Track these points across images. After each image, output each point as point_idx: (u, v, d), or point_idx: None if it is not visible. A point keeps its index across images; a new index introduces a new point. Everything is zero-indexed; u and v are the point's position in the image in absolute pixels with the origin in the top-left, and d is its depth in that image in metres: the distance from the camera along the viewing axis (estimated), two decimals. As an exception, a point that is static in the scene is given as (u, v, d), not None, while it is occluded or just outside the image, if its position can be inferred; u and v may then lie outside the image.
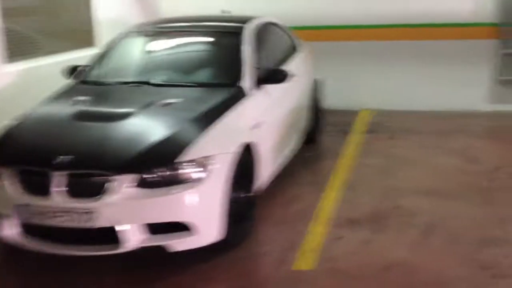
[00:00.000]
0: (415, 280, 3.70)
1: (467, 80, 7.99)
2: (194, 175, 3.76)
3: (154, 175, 3.69)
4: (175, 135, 3.96)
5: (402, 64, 8.23)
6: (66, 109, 4.44)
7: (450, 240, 4.21)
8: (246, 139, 4.28)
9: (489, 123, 7.66)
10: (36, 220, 3.73)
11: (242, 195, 4.28)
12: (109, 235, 3.66)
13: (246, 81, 4.79)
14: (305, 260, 3.97)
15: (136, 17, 7.44)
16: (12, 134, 4.21)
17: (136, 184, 3.65)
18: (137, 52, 5.41)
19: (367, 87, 8.34)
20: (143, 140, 3.89)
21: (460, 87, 8.02)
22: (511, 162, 5.94)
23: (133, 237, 3.67)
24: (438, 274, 3.76)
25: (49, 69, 5.81)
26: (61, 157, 3.73)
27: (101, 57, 5.35)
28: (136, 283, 3.77)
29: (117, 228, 3.65)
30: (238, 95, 4.63)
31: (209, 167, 3.81)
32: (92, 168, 3.70)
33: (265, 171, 4.75)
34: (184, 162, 3.75)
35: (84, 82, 5.10)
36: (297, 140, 5.91)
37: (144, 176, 3.68)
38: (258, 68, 4.97)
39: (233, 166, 4.03)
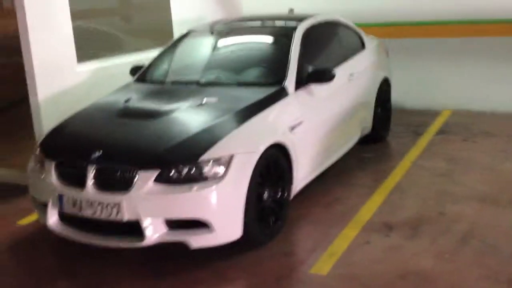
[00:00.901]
0: (427, 291, 3.59)
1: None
2: (215, 174, 3.88)
3: (177, 172, 3.86)
4: (202, 133, 4.10)
5: (486, 62, 7.80)
6: (114, 106, 4.75)
7: (484, 252, 4.01)
8: (278, 139, 4.32)
9: None
10: (71, 211, 4.05)
11: (273, 195, 4.35)
12: (134, 229, 3.89)
13: (290, 81, 4.82)
14: (323, 263, 3.97)
15: (216, 16, 7.63)
16: (60, 128, 4.60)
17: (159, 179, 3.84)
18: (192, 51, 5.63)
19: (448, 86, 8.00)
20: (171, 138, 4.08)
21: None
22: None
23: (155, 231, 3.86)
24: (456, 286, 3.61)
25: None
26: (96, 152, 4.01)
27: (160, 57, 5.63)
28: (150, 277, 3.95)
29: (141, 222, 3.86)
30: (279, 95, 4.69)
31: (232, 166, 3.91)
32: (119, 163, 3.94)
33: (304, 172, 4.77)
34: (206, 160, 3.89)
35: (141, 80, 5.39)
36: (353, 140, 5.85)
37: (167, 172, 3.86)
38: (306, 68, 4.97)
39: (260, 166, 4.10)
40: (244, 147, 4.04)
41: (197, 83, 5.05)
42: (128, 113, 4.57)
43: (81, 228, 4.11)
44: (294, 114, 4.69)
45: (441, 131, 6.96)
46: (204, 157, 3.90)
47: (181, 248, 3.90)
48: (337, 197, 5.10)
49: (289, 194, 4.57)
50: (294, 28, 5.32)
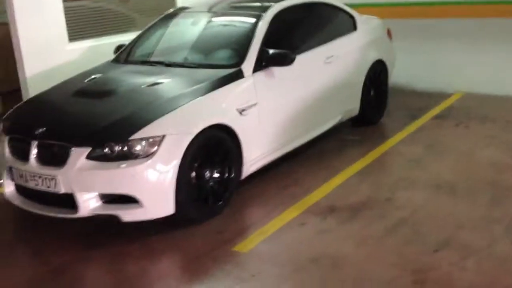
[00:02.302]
0: (331, 275, 3.61)
1: None
2: (146, 152, 4.04)
3: (109, 150, 4.05)
4: (140, 113, 4.26)
5: (502, 45, 7.50)
6: (75, 85, 5.00)
7: (409, 240, 3.96)
8: (220, 120, 4.42)
9: None
10: (19, 182, 4.34)
11: (218, 175, 4.46)
12: (71, 201, 4.12)
13: (248, 64, 4.87)
14: (249, 242, 4.06)
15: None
16: (21, 105, 4.91)
17: (92, 156, 4.04)
18: (167, 33, 5.75)
19: (461, 68, 7.77)
20: (109, 116, 4.27)
21: None
22: None
23: (87, 204, 4.08)
24: (363, 273, 3.61)
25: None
26: (40, 128, 4.26)
27: (138, 37, 5.79)
28: (82, 247, 4.16)
29: (74, 195, 4.08)
30: (232, 77, 4.75)
31: (162, 145, 4.05)
32: (57, 139, 4.18)
33: (258, 153, 4.84)
34: (138, 139, 4.05)
35: (115, 60, 5.59)
36: (330, 123, 5.82)
37: (99, 149, 4.05)
38: (268, 51, 4.99)
39: (197, 146, 4.22)
40: (177, 128, 4.17)
41: (163, 63, 5.19)
42: (82, 92, 4.81)
43: (31, 199, 4.39)
44: (246, 96, 4.75)
45: (439, 116, 6.79)
46: (135, 136, 4.06)
47: (114, 221, 4.10)
48: (296, 178, 5.14)
49: (238, 175, 4.66)
50: (264, 11, 5.34)
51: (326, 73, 5.69)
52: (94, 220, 4.21)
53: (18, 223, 4.69)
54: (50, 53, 6.07)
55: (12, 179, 4.41)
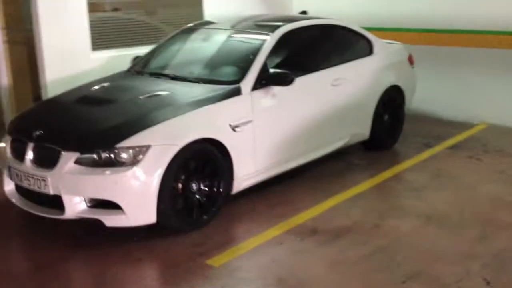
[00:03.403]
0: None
1: None
2: (130, 161, 4.17)
3: (97, 156, 4.20)
4: (130, 122, 4.40)
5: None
6: (82, 92, 5.20)
7: (381, 269, 3.93)
8: (209, 135, 4.51)
9: None
10: (16, 181, 4.55)
11: (207, 188, 4.55)
12: (59, 202, 4.29)
13: (247, 82, 4.94)
14: (223, 257, 4.12)
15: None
16: (28, 109, 5.15)
17: (79, 161, 4.21)
18: (180, 47, 5.90)
19: (487, 99, 7.55)
20: (100, 124, 4.46)
21: None
22: None
23: (73, 207, 4.24)
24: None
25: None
26: (37, 131, 4.47)
27: (154, 50, 5.96)
28: (68, 247, 4.32)
29: (62, 197, 4.25)
30: (229, 94, 4.83)
31: (147, 155, 4.18)
32: (50, 143, 4.36)
33: (250, 170, 4.90)
34: (124, 147, 4.19)
35: (128, 70, 5.78)
36: (334, 145, 5.82)
37: (87, 155, 4.21)
38: (269, 70, 5.07)
39: (183, 159, 4.32)
40: (163, 139, 4.28)
41: (169, 76, 5.33)
42: (85, 99, 5.00)
43: (27, 198, 4.60)
44: (241, 113, 4.82)
45: (454, 146, 6.65)
46: (122, 144, 4.20)
47: (99, 225, 4.25)
48: (290, 198, 5.16)
49: (227, 190, 4.73)
50: (273, 31, 5.41)
51: (332, 95, 5.69)
52: (81, 223, 4.37)
53: (16, 220, 4.88)
54: (72, 61, 6.33)
55: (11, 178, 4.62)
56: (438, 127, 7.43)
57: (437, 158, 6.26)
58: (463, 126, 7.42)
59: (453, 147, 6.61)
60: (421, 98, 7.55)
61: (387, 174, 5.76)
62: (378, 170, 5.86)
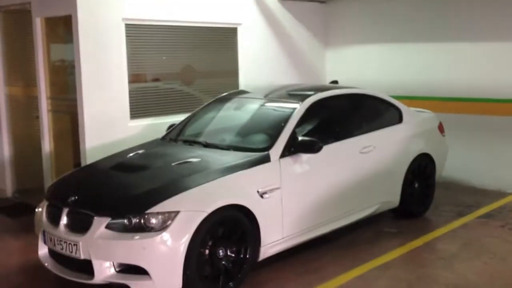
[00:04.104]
0: None
1: None
2: (160, 226, 4.30)
3: (126, 221, 4.35)
4: (160, 189, 4.55)
5: None
6: (117, 159, 5.41)
7: None
8: (236, 201, 4.61)
9: None
10: (49, 245, 4.71)
11: (234, 254, 4.63)
12: (88, 267, 4.42)
13: (276, 149, 5.08)
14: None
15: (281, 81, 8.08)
16: (66, 175, 5.37)
17: (111, 226, 4.36)
18: (214, 115, 6.11)
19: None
20: (134, 190, 4.61)
21: None
22: None
23: (103, 272, 4.36)
24: None
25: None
26: (72, 197, 4.66)
27: (189, 118, 6.19)
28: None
29: (92, 261, 4.38)
30: (258, 161, 4.97)
31: (175, 221, 4.30)
32: (84, 208, 4.54)
33: (277, 236, 4.97)
34: (154, 213, 4.33)
35: (163, 137, 6.00)
36: (363, 212, 5.84)
37: (118, 220, 4.36)
38: (297, 137, 5.20)
39: (210, 225, 4.43)
40: (192, 205, 4.41)
41: (201, 144, 5.51)
42: (120, 166, 5.20)
43: (59, 262, 4.74)
44: (269, 179, 4.93)
45: (487, 215, 6.59)
46: (152, 209, 4.34)
47: (127, 291, 4.34)
48: (317, 266, 5.17)
49: (254, 256, 4.79)
50: (302, 100, 5.58)
51: (360, 163, 5.77)
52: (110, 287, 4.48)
53: (51, 284, 5.01)
54: (111, 129, 6.59)
55: (45, 242, 4.79)
56: (471, 196, 7.38)
57: (469, 227, 6.20)
58: (496, 195, 7.38)
59: (485, 216, 6.56)
60: (454, 167, 7.56)
61: (417, 242, 5.73)
62: (408, 238, 5.84)
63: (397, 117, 6.44)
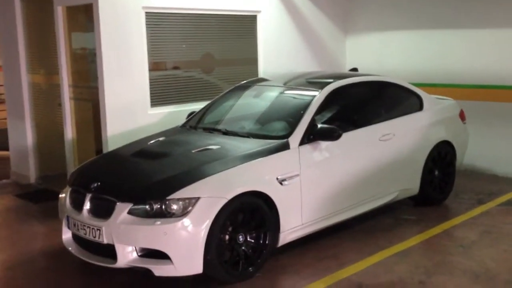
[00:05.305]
0: None
1: None
2: (180, 212, 4.37)
3: (148, 206, 4.42)
4: (181, 175, 4.62)
5: None
6: (138, 146, 5.48)
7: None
8: (256, 188, 4.66)
9: None
10: (73, 230, 4.81)
11: (253, 240, 4.68)
12: (111, 251, 4.51)
13: (295, 136, 5.11)
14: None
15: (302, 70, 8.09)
16: (89, 162, 5.45)
17: (133, 212, 4.44)
18: (234, 103, 6.15)
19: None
20: (155, 177, 4.68)
21: None
22: None
23: (125, 256, 4.45)
24: None
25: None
26: (95, 183, 4.75)
27: (209, 106, 6.24)
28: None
29: (115, 246, 4.47)
30: (278, 148, 5.01)
31: (196, 207, 4.37)
32: (106, 194, 4.62)
33: (297, 223, 5.01)
34: (175, 199, 4.40)
35: (183, 125, 6.06)
36: (382, 199, 5.86)
37: (140, 206, 4.44)
38: (317, 125, 5.22)
39: (230, 211, 4.49)
40: (212, 192, 4.46)
41: (221, 131, 5.56)
42: (141, 153, 5.27)
43: (82, 246, 4.84)
44: (289, 167, 4.97)
45: (507, 202, 6.57)
46: (173, 196, 4.41)
47: (149, 274, 4.43)
48: (336, 252, 5.21)
49: (273, 242, 4.84)
50: (321, 88, 5.59)
51: (380, 150, 5.77)
52: (131, 271, 4.56)
53: (75, 267, 5.11)
54: (132, 116, 6.66)
55: (69, 227, 4.89)
56: (492, 184, 7.35)
57: (489, 214, 6.19)
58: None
59: (506, 204, 6.53)
60: (475, 154, 7.53)
61: (436, 230, 5.74)
62: (427, 225, 5.85)
63: (418, 105, 6.42)
